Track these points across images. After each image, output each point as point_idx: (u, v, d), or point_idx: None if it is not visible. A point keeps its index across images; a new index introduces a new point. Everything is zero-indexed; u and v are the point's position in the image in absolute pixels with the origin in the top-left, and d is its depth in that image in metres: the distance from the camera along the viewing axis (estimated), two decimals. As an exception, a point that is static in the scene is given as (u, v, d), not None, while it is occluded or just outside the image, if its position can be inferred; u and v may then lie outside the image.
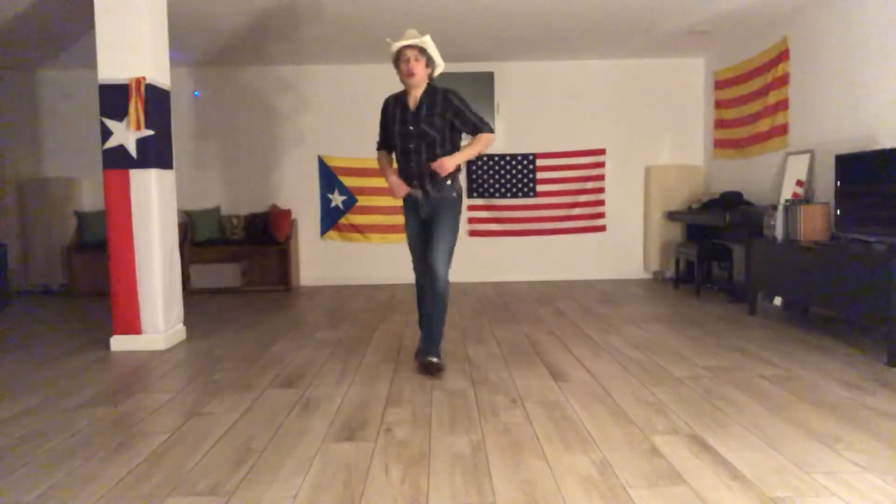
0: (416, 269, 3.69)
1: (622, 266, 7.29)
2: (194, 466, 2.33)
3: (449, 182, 3.50)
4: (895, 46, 4.21)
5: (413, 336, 4.49)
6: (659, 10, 5.32)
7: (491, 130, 3.53)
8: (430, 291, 3.50)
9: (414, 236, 3.62)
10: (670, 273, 7.03)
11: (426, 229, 3.55)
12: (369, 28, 5.63)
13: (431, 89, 3.47)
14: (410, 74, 3.38)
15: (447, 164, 3.40)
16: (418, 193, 3.51)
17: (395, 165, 3.66)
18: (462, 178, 3.63)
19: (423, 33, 3.42)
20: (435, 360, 3.45)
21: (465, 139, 3.59)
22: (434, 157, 3.44)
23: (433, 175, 3.45)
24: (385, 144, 3.66)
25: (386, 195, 7.08)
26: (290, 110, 7.14)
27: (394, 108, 3.53)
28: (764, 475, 2.15)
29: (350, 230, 7.22)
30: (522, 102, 7.16)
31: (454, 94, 3.46)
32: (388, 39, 3.46)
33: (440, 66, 3.51)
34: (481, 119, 3.50)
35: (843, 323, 4.56)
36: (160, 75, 4.33)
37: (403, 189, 3.52)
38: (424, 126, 3.42)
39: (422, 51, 3.39)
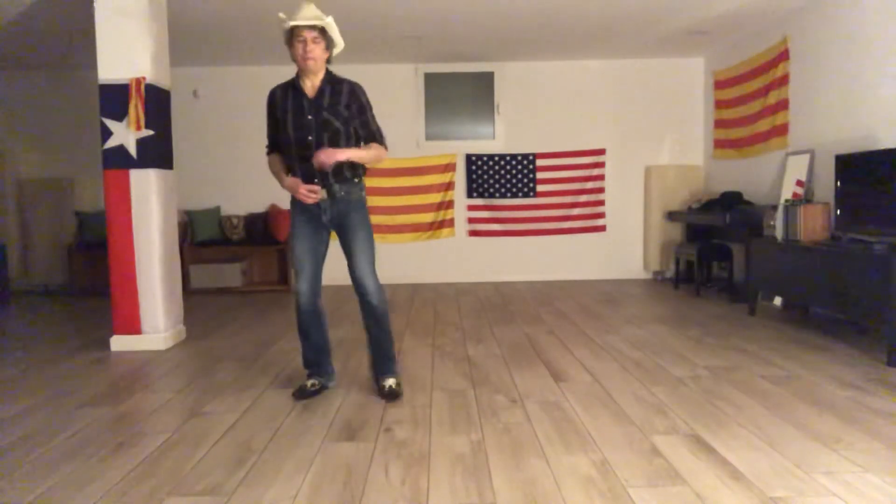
0: (301, 290, 3.11)
1: (622, 266, 7.28)
2: (194, 466, 2.33)
3: (356, 179, 3.08)
4: (894, 46, 4.21)
5: (413, 336, 4.49)
6: (659, 10, 5.32)
7: (385, 147, 3.13)
8: (365, 312, 3.15)
9: (308, 250, 3.12)
10: (670, 273, 7.02)
11: (322, 241, 3.18)
12: (369, 28, 5.63)
13: (334, 77, 3.08)
14: (307, 59, 2.98)
15: (336, 152, 2.92)
16: (321, 195, 3.02)
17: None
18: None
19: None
20: (393, 382, 3.13)
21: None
22: None
23: (337, 172, 2.99)
24: (276, 147, 3.15)
25: (386, 195, 7.11)
26: (290, 110, 7.13)
27: (284, 97, 3.08)
28: (764, 475, 2.15)
29: (350, 230, 7.21)
30: (522, 102, 7.16)
31: (361, 90, 3.08)
32: (280, 15, 3.01)
33: (339, 46, 3.12)
34: (380, 131, 3.12)
35: (843, 323, 4.56)
36: (160, 75, 4.34)
37: (307, 189, 2.98)
38: (328, 115, 2.99)
39: (322, 31, 3.00)
